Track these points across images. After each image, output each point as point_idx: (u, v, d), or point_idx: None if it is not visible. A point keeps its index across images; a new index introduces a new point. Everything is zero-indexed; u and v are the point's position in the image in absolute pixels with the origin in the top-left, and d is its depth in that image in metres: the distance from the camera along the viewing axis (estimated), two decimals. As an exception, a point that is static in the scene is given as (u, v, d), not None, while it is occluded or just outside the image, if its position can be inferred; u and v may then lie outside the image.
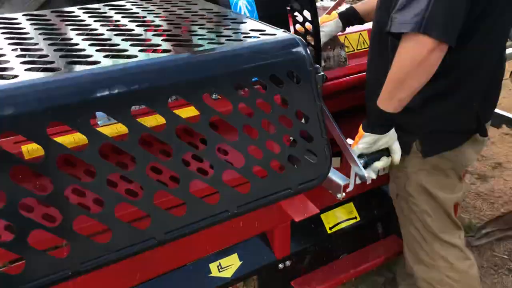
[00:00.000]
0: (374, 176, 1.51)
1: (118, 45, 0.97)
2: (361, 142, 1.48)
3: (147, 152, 0.85)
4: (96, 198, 1.11)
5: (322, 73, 1.39)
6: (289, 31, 1.32)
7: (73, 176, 0.80)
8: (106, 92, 0.80)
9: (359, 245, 2.02)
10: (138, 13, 1.26)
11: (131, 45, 0.97)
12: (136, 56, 0.89)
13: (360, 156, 1.50)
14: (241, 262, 1.69)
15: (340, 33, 1.96)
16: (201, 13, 1.26)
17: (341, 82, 1.80)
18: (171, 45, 0.98)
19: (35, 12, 1.27)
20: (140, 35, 1.06)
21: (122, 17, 1.22)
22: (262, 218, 1.57)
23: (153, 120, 1.12)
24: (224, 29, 1.12)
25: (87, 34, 1.05)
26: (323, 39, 1.81)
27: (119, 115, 0.81)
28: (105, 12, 1.25)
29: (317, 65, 1.45)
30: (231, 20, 1.20)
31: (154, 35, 1.05)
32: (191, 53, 0.92)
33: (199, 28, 1.13)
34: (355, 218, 1.98)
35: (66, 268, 0.78)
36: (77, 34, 1.05)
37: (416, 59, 1.28)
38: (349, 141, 1.51)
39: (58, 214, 0.77)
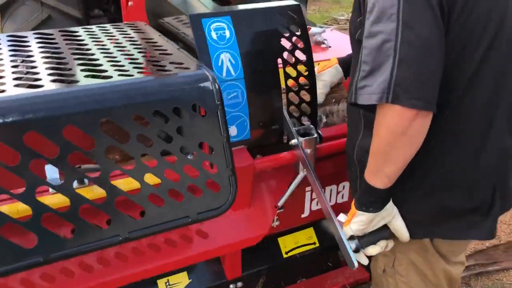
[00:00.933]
0: (365, 262, 1.30)
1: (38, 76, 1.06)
2: (354, 222, 1.26)
3: (37, 176, 0.92)
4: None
5: (316, 135, 1.39)
6: (280, 87, 1.36)
7: None
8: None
9: (318, 271, 2.02)
10: (84, 40, 1.36)
11: (48, 74, 1.06)
12: (42, 86, 0.97)
13: (352, 237, 1.28)
14: (190, 280, 1.72)
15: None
16: (138, 42, 1.33)
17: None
18: (83, 76, 1.06)
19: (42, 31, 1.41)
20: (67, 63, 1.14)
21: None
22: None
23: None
24: (146, 59, 1.19)
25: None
26: (324, 89, 1.67)
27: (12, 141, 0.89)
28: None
29: (311, 125, 1.42)
30: (160, 51, 1.26)
31: (79, 63, 1.14)
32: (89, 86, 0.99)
33: (124, 57, 1.20)
34: (314, 243, 1.98)
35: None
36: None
37: (397, 130, 1.10)
38: (342, 217, 1.33)
39: None
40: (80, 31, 1.45)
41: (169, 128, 1.04)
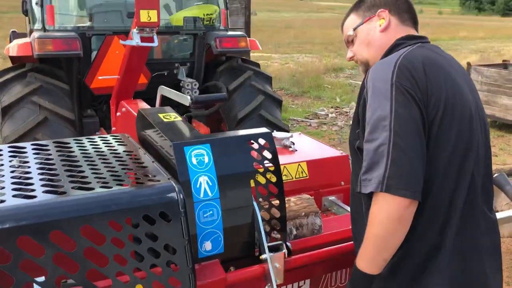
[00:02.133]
0: None
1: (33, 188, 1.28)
2: None
3: (26, 275, 1.11)
4: None
5: (285, 250, 1.51)
6: (252, 206, 1.49)
7: None
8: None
9: None
10: (73, 152, 1.60)
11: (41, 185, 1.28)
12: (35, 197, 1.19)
13: None
14: None
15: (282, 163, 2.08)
16: (120, 155, 1.58)
17: (313, 255, 1.68)
18: (71, 187, 1.28)
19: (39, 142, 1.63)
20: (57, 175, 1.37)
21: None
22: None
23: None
24: (124, 172, 1.42)
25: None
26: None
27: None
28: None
29: (280, 242, 1.54)
30: (137, 164, 1.50)
31: (68, 175, 1.36)
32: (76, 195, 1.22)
33: (106, 170, 1.43)
34: None
35: None
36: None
37: (393, 216, 1.26)
38: None
39: None
40: (72, 142, 1.69)
41: (138, 232, 1.25)
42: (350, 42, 1.57)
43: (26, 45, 3.23)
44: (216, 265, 1.47)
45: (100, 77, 3.40)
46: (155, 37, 1.90)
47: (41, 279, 1.20)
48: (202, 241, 1.44)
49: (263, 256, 1.50)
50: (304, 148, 2.58)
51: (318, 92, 9.86)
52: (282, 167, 2.30)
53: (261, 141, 1.60)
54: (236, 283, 1.54)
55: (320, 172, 2.43)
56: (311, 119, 7.78)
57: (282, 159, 2.07)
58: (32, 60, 3.44)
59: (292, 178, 2.33)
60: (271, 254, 1.50)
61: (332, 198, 2.43)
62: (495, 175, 2.65)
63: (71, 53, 3.19)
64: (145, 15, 1.75)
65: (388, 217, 1.27)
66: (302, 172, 2.38)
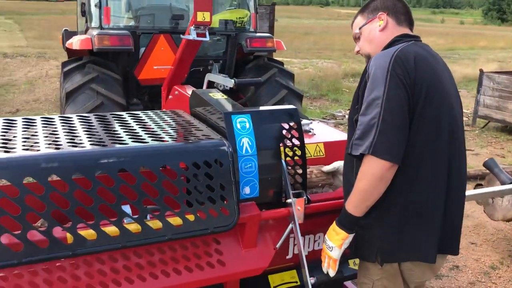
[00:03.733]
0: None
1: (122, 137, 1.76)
2: (346, 243, 1.78)
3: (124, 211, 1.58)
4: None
5: (305, 197, 1.96)
6: (281, 162, 1.92)
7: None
8: (105, 160, 1.56)
9: (300, 305, 2.53)
10: (144, 119, 2.08)
11: (129, 138, 1.76)
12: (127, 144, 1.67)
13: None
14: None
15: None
16: (180, 122, 2.05)
17: (327, 204, 2.11)
18: (151, 140, 1.76)
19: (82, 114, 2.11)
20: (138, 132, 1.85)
21: (134, 122, 2.03)
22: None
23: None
24: (189, 134, 1.89)
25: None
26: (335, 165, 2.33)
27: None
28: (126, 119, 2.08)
29: (303, 191, 2.00)
30: (195, 128, 1.98)
31: (145, 132, 1.84)
32: (154, 145, 1.69)
33: (172, 130, 1.91)
34: (296, 282, 2.53)
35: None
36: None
37: (376, 175, 1.63)
38: (330, 243, 1.81)
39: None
40: (142, 114, 2.17)
41: (200, 172, 1.71)
42: (357, 38, 1.96)
43: (86, 40, 3.76)
44: (253, 205, 1.92)
45: (147, 70, 3.92)
46: (207, 33, 2.39)
47: (127, 207, 1.67)
48: (243, 186, 1.89)
49: (288, 200, 1.95)
50: (321, 133, 3.01)
51: (336, 95, 10.27)
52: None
53: (289, 116, 2.06)
54: (267, 220, 2.01)
55: (335, 152, 2.84)
56: (328, 119, 8.19)
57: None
58: (86, 54, 3.98)
59: (311, 156, 2.76)
60: (295, 199, 1.95)
61: (345, 175, 2.86)
62: (486, 159, 3.07)
63: (124, 48, 3.71)
64: (201, 16, 2.25)
65: (372, 175, 1.64)
66: (319, 152, 2.81)
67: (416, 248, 1.77)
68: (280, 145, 1.99)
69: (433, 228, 1.77)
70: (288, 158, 2.03)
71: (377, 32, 1.87)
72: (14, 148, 1.59)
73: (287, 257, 2.33)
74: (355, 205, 1.72)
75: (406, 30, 1.87)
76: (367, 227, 1.78)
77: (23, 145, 1.62)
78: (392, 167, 1.63)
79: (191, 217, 1.69)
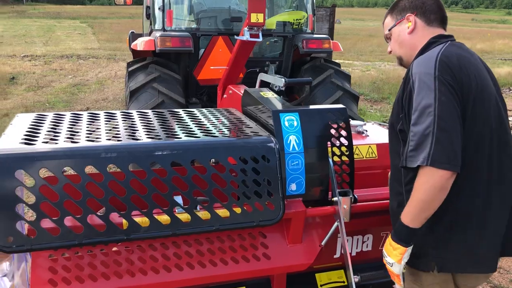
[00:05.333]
0: None
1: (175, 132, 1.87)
2: (406, 257, 1.69)
3: (176, 201, 1.68)
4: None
5: (351, 196, 2.00)
6: (328, 161, 1.95)
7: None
8: (159, 153, 1.67)
9: (346, 305, 2.53)
10: (198, 116, 2.18)
11: (182, 133, 1.86)
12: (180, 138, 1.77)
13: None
14: (247, 295, 2.32)
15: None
16: (231, 119, 2.14)
17: (374, 204, 2.13)
18: (203, 135, 1.85)
19: (143, 111, 2.25)
20: (191, 128, 1.95)
21: (189, 118, 2.14)
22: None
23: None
24: (239, 130, 1.97)
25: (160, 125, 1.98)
26: None
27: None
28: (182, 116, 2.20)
29: (348, 189, 2.03)
30: (245, 126, 2.05)
31: (199, 129, 1.94)
32: (205, 139, 1.78)
33: (223, 127, 1.99)
34: (343, 282, 2.54)
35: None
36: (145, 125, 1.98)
37: (436, 186, 1.55)
38: (389, 259, 1.71)
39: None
40: (197, 112, 2.28)
41: (247, 167, 1.78)
42: (388, 38, 1.92)
43: (150, 42, 3.98)
44: (299, 202, 1.97)
45: (205, 71, 4.07)
46: (260, 34, 2.47)
47: (178, 198, 1.77)
48: (289, 183, 1.94)
49: (334, 198, 1.98)
50: (375, 134, 2.99)
51: (397, 99, 9.98)
52: (354, 147, 2.76)
53: (338, 117, 2.08)
54: (313, 217, 2.04)
55: (388, 154, 2.84)
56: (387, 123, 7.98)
57: (356, 141, 2.49)
58: (150, 55, 4.20)
59: (363, 157, 2.75)
60: (341, 197, 1.97)
61: (397, 177, 2.83)
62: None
63: (185, 49, 3.88)
64: (254, 17, 2.33)
65: (432, 186, 1.57)
66: (372, 153, 2.80)
67: (472, 257, 1.71)
68: (328, 144, 2.01)
69: (489, 233, 1.72)
70: (335, 157, 2.05)
71: (406, 35, 1.82)
72: (78, 139, 1.73)
73: (335, 256, 2.35)
74: (413, 217, 1.64)
75: (438, 30, 1.81)
76: (420, 236, 1.70)
77: (87, 137, 1.77)
78: (452, 175, 1.57)
79: (238, 210, 1.76)
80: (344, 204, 1.98)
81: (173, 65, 4.17)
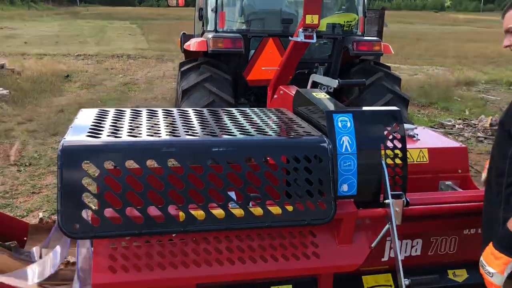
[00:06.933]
0: None
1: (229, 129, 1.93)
2: (509, 268, 1.58)
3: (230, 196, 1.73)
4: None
5: (404, 199, 1.98)
6: (381, 163, 1.94)
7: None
8: (216, 149, 1.73)
9: (393, 310, 2.51)
10: (250, 115, 2.23)
11: (237, 130, 1.92)
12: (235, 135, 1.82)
13: None
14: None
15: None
16: (283, 118, 2.17)
17: (427, 208, 2.10)
18: (256, 133, 1.90)
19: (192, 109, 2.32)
20: (244, 126, 2.00)
21: (241, 116, 2.20)
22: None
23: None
24: (291, 130, 2.00)
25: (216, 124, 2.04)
26: None
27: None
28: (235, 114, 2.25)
29: (401, 192, 2.00)
30: (296, 125, 2.08)
31: (253, 128, 1.99)
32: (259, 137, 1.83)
33: (276, 126, 2.03)
34: (390, 286, 2.51)
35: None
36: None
37: None
38: (490, 269, 1.63)
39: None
40: (249, 111, 2.32)
41: (299, 166, 1.81)
42: (509, 32, 1.79)
43: (202, 43, 4.09)
44: (350, 203, 1.98)
45: (255, 71, 4.15)
46: (314, 35, 2.50)
47: (232, 193, 1.82)
48: (341, 183, 1.95)
49: (386, 201, 1.97)
50: (426, 138, 2.95)
51: (446, 104, 9.75)
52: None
53: (392, 119, 2.06)
54: (364, 218, 2.04)
55: (439, 159, 2.78)
56: (436, 128, 7.83)
57: (407, 145, 2.47)
58: (202, 55, 4.32)
59: (413, 161, 2.72)
60: (393, 200, 1.97)
61: (448, 182, 2.78)
62: None
63: (235, 50, 3.97)
64: (309, 18, 2.36)
65: None
66: (422, 157, 2.76)
67: None
68: (381, 146, 2.01)
69: None
70: (388, 160, 2.04)
71: None
72: (140, 134, 1.82)
73: (383, 259, 2.34)
74: None
75: None
76: None
77: (147, 132, 1.85)
78: None
79: (289, 208, 1.79)
80: (396, 207, 1.97)
81: (223, 65, 4.27)
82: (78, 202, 1.60)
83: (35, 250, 2.53)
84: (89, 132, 1.78)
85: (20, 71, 10.91)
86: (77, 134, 1.76)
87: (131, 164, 1.67)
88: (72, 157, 1.61)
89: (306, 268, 1.94)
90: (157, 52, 16.09)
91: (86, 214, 1.66)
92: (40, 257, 2.43)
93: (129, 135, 1.79)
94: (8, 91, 8.83)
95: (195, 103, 3.82)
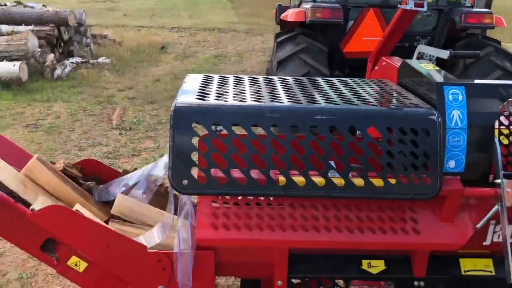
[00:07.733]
0: None
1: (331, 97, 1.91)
2: None
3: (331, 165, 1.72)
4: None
5: None
6: (494, 140, 1.82)
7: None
8: (319, 116, 1.72)
9: (492, 296, 2.39)
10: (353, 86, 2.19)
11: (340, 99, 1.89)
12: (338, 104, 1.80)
13: None
14: (386, 267, 2.31)
15: None
16: (388, 90, 2.10)
17: None
18: (360, 102, 1.86)
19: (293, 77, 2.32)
20: (348, 96, 1.97)
21: (343, 86, 2.16)
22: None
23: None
24: (397, 101, 1.93)
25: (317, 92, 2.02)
26: None
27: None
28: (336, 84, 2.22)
29: None
30: (403, 97, 2.01)
31: (357, 98, 1.95)
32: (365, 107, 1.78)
33: (380, 97, 1.97)
34: (491, 272, 2.38)
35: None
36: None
37: None
38: None
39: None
40: (357, 80, 2.28)
41: (405, 139, 1.75)
42: None
43: (300, 13, 4.06)
44: (457, 180, 1.88)
45: (353, 43, 4.05)
46: (425, 3, 2.37)
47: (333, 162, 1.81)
48: (448, 159, 1.86)
49: (497, 180, 1.85)
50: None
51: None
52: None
53: (509, 94, 1.92)
54: (469, 198, 1.94)
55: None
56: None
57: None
58: (297, 26, 4.29)
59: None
60: (505, 180, 1.84)
61: None
62: None
63: (334, 21, 3.89)
64: (420, -15, 2.25)
65: None
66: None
67: None
68: (495, 122, 1.88)
69: None
70: (502, 137, 1.91)
71: None
72: (244, 99, 1.86)
73: (484, 243, 2.21)
74: None
75: None
76: None
77: (251, 97, 1.89)
78: None
79: (392, 180, 1.74)
80: (508, 188, 1.85)
81: (320, 36, 4.21)
82: (187, 160, 1.68)
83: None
84: (198, 95, 1.86)
85: (121, 41, 11.59)
86: (187, 96, 1.84)
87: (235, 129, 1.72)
88: (184, 117, 1.69)
89: (405, 243, 1.90)
90: (247, 26, 16.23)
91: (194, 173, 1.75)
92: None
93: (235, 99, 1.84)
94: (110, 60, 9.44)
95: (290, 74, 3.82)
